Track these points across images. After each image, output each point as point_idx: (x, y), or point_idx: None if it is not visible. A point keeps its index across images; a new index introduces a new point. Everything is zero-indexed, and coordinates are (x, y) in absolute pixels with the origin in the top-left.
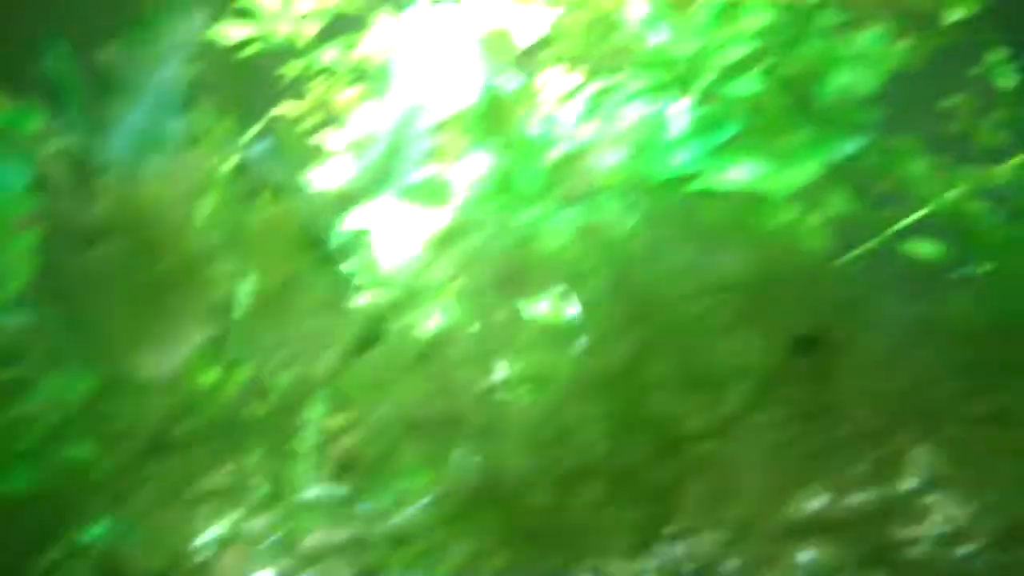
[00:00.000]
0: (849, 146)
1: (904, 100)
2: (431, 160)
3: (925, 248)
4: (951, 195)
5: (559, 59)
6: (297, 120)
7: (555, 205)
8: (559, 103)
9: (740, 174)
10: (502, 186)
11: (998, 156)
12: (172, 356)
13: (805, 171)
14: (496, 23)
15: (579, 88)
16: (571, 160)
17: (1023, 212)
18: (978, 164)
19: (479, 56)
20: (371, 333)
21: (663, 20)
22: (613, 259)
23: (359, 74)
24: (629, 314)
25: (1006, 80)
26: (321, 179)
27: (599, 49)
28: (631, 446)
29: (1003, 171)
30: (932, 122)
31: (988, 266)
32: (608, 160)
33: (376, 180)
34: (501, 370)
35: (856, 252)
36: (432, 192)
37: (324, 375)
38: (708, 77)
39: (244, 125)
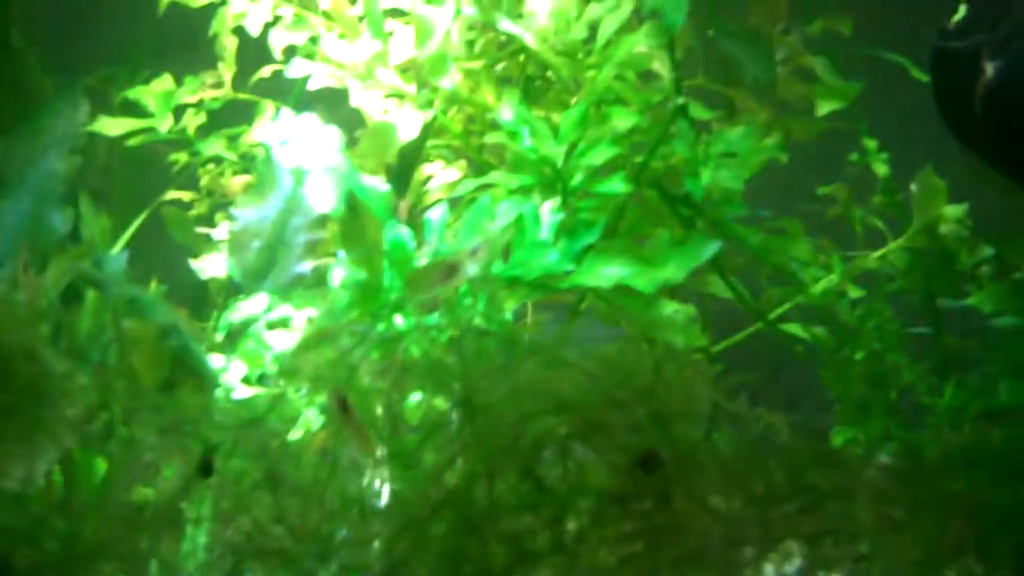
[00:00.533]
0: (714, 245)
1: (788, 184)
2: (310, 257)
3: (803, 332)
4: (828, 280)
5: (437, 155)
6: (186, 208)
7: (418, 311)
8: (432, 202)
9: (610, 272)
10: (366, 292)
11: (878, 240)
12: (22, 475)
13: (673, 270)
14: (379, 118)
15: (455, 184)
16: (436, 266)
17: (895, 297)
18: (857, 248)
19: (349, 160)
20: (213, 453)
21: (533, 122)
22: (463, 372)
23: (246, 164)
24: (475, 430)
25: (881, 168)
26: (204, 271)
27: (475, 147)
28: (477, 564)
29: (873, 259)
30: (815, 206)
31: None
32: (474, 265)
33: (256, 275)
34: (355, 485)
35: (735, 338)
36: (303, 293)
37: (171, 495)
38: (577, 178)
39: (131, 214)
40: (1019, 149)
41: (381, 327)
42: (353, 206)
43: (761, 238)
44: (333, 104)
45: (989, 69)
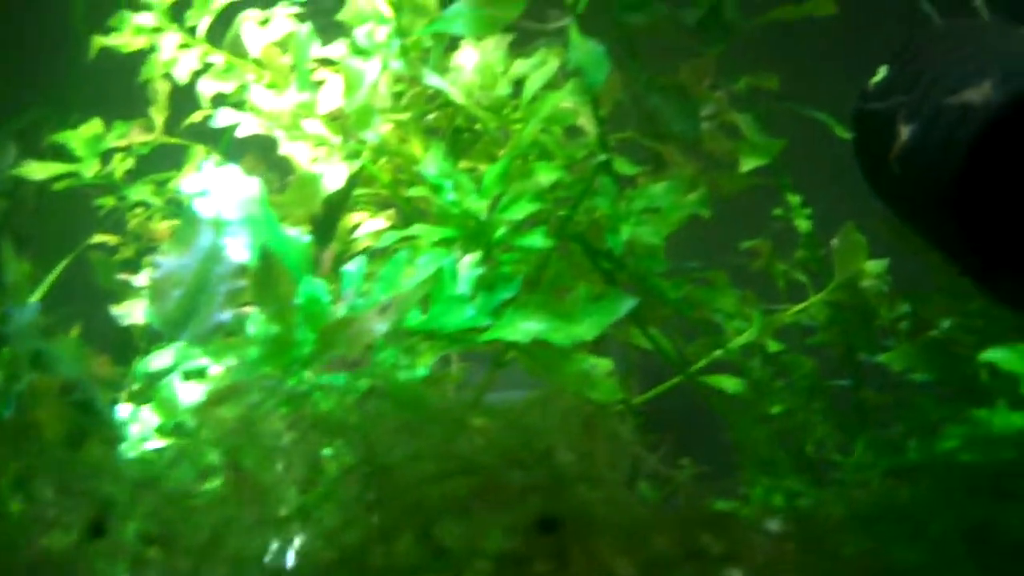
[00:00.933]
0: (630, 301)
1: (720, 237)
2: (231, 306)
3: (727, 384)
4: (749, 333)
5: (366, 205)
6: (111, 253)
7: (327, 368)
8: (359, 251)
9: (528, 327)
10: (277, 347)
11: (801, 294)
12: None
13: (590, 326)
14: (307, 166)
15: (380, 234)
16: (348, 322)
17: (817, 350)
18: (780, 302)
19: (268, 211)
20: (105, 512)
21: (457, 175)
22: (365, 432)
23: (174, 209)
24: (376, 489)
25: (804, 224)
26: (124, 317)
27: (404, 197)
28: None
29: (791, 313)
30: (739, 260)
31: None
32: (383, 322)
33: (175, 323)
34: (256, 544)
35: (656, 389)
36: (219, 344)
37: (64, 556)
38: (500, 231)
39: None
40: (930, 211)
41: (291, 382)
42: (266, 260)
43: (688, 289)
44: (266, 148)
45: (904, 131)
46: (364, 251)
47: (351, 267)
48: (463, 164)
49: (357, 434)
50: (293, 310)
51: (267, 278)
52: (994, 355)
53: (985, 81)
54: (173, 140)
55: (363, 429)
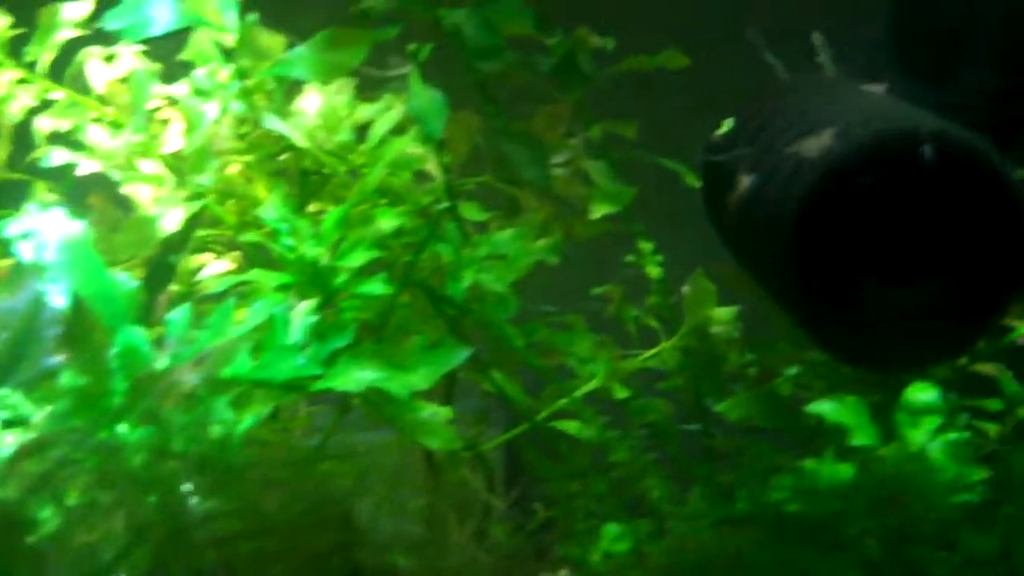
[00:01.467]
0: (463, 352)
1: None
2: (60, 351)
3: (573, 428)
4: (596, 379)
5: (211, 247)
6: None
7: (138, 421)
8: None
9: (362, 376)
10: (87, 398)
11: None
12: None
13: (424, 375)
14: (146, 207)
15: (220, 277)
16: (162, 373)
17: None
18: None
19: (92, 255)
20: None
21: (295, 220)
22: (166, 490)
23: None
24: (169, 553)
25: (654, 270)
26: None
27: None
28: None
29: (641, 360)
30: (593, 305)
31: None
32: (196, 374)
33: (1, 368)
34: None
35: (507, 435)
36: (40, 392)
37: None
38: (338, 279)
39: None
40: (767, 261)
41: (103, 435)
42: (78, 306)
43: (543, 334)
44: (113, 186)
45: (744, 182)
46: (203, 296)
47: (175, 314)
48: (313, 207)
49: (157, 492)
50: (106, 359)
51: (78, 326)
52: (820, 407)
53: (825, 133)
54: (15, 176)
55: (164, 486)
